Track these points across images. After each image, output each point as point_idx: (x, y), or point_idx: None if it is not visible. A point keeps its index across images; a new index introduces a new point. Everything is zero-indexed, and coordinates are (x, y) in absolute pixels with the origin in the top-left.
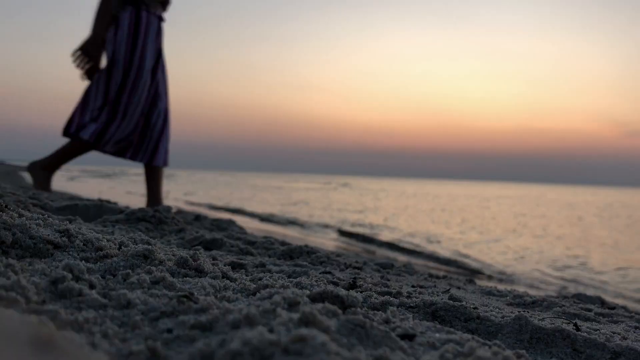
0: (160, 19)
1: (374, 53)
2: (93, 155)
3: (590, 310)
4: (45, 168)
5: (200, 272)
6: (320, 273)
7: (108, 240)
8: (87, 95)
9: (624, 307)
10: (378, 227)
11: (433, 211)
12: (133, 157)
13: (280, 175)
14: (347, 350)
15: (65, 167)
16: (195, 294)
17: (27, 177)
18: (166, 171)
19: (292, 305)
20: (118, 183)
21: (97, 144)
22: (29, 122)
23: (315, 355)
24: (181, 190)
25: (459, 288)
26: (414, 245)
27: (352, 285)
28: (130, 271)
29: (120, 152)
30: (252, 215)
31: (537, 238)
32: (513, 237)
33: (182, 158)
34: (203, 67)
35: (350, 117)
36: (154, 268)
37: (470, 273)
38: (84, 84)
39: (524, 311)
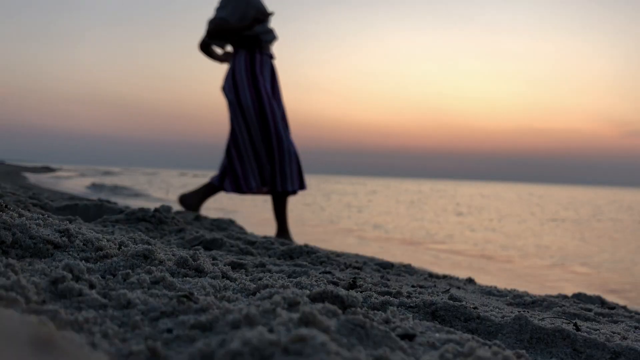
0: (271, 57)
1: (374, 53)
2: (93, 155)
3: (590, 310)
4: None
5: (200, 272)
6: (320, 273)
7: (108, 240)
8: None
9: (624, 307)
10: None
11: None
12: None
13: None
14: (347, 350)
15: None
16: (195, 294)
17: (28, 176)
18: (163, 172)
19: (292, 305)
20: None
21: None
22: (29, 122)
23: (315, 355)
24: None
25: (459, 288)
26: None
27: (352, 285)
28: (130, 271)
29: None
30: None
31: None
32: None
33: (185, 158)
34: (205, 68)
35: (351, 117)
36: (154, 268)
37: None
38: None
39: (524, 311)
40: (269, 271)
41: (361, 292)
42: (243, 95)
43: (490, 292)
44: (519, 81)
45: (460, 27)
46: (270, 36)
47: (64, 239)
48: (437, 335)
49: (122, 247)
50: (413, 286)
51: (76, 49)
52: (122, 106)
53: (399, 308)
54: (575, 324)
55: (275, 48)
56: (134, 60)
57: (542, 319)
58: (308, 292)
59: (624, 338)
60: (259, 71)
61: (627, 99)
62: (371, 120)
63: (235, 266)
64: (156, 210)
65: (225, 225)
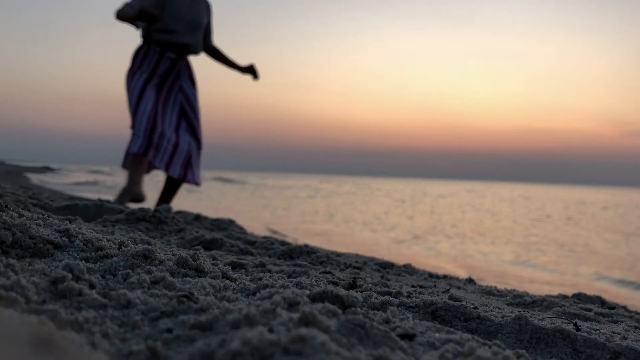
0: (162, 55)
1: (374, 53)
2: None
3: (590, 310)
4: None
5: (200, 272)
6: (320, 273)
7: (108, 240)
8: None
9: (624, 307)
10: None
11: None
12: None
13: (278, 175)
14: (347, 350)
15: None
16: (195, 294)
17: (30, 177)
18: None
19: (292, 305)
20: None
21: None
22: (29, 122)
23: (315, 355)
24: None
25: (459, 288)
26: None
27: (352, 285)
28: (130, 271)
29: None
30: None
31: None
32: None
33: None
34: (205, 68)
35: (351, 117)
36: (154, 268)
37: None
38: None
39: (524, 311)
40: (269, 271)
41: (361, 292)
42: (127, 83)
43: (490, 292)
44: (519, 81)
45: (460, 27)
46: (167, 37)
47: (64, 239)
48: (437, 335)
49: (122, 247)
50: (413, 286)
51: (76, 49)
52: (123, 106)
53: (399, 308)
54: (575, 324)
55: (275, 47)
56: None
57: (542, 319)
58: (308, 292)
59: (624, 338)
60: (137, 63)
61: (627, 99)
62: (371, 120)
63: (235, 266)
64: (156, 210)
65: (225, 225)
